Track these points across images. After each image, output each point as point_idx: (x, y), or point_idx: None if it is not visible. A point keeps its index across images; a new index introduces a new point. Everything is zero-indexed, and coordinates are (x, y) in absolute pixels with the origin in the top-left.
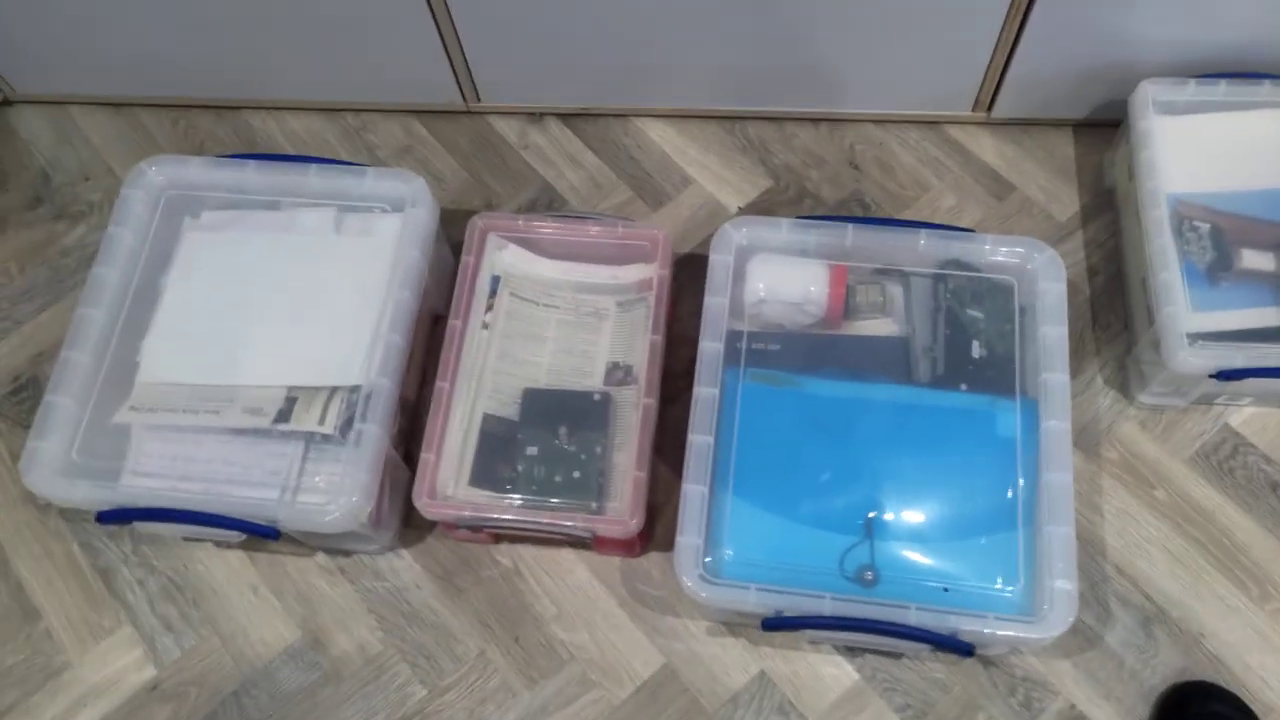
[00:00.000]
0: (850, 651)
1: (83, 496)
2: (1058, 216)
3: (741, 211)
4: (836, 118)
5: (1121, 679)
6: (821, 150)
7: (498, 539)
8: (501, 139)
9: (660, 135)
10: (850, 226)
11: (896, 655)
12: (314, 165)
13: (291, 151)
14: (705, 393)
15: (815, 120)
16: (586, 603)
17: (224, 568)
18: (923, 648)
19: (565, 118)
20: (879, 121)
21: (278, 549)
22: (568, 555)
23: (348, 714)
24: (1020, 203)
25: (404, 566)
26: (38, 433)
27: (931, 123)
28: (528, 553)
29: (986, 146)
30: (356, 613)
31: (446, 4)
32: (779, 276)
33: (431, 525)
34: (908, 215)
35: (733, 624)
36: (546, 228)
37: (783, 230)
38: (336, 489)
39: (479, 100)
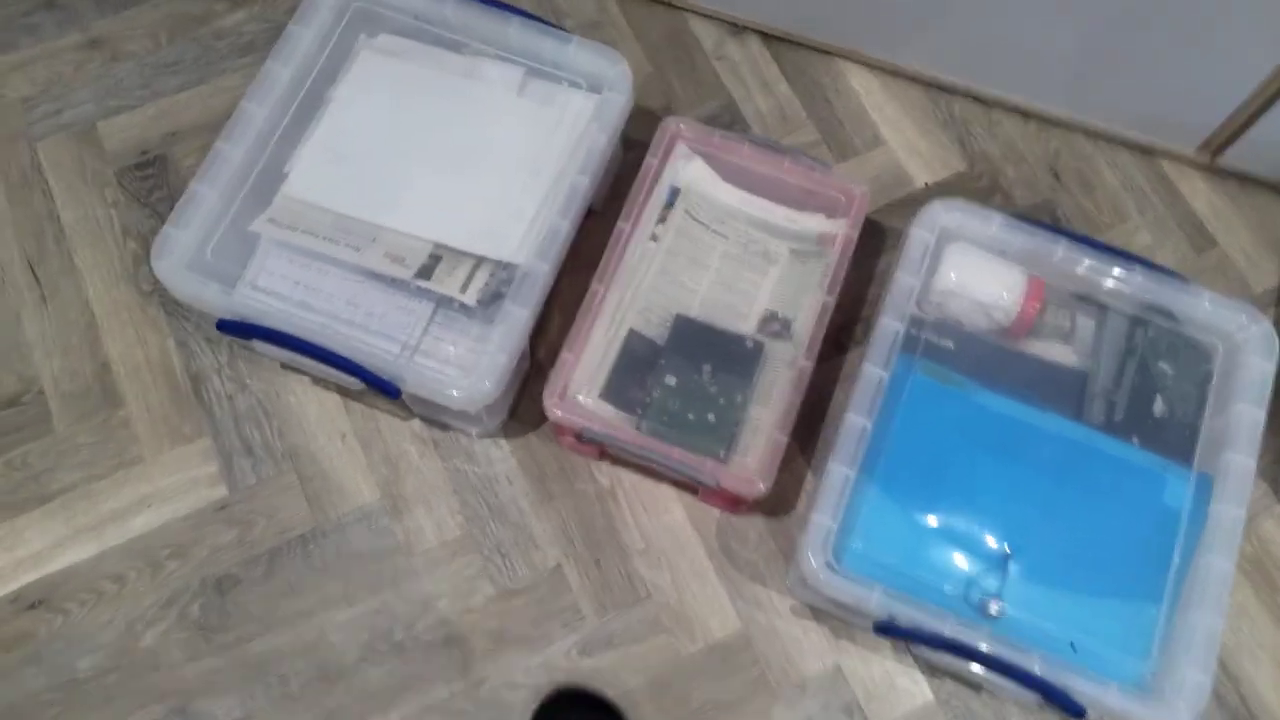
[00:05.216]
0: (931, 670)
1: (211, 298)
2: (1254, 287)
3: (929, 188)
4: (1049, 118)
5: None
6: (1024, 147)
7: (601, 455)
8: (696, 42)
9: (861, 84)
10: (1064, 240)
11: (977, 686)
12: (517, 17)
13: None
14: (874, 372)
15: (1026, 114)
16: (675, 545)
17: (316, 406)
18: (1030, 696)
19: (768, 38)
20: (1092, 134)
21: (374, 403)
22: (667, 492)
23: (410, 590)
24: (1218, 260)
25: (500, 457)
26: (178, 220)
27: (1146, 151)
28: (627, 478)
29: (1198, 192)
30: (441, 491)
31: None
32: (975, 272)
33: (538, 422)
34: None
35: (819, 609)
36: (741, 150)
37: (993, 224)
38: (469, 366)
39: None
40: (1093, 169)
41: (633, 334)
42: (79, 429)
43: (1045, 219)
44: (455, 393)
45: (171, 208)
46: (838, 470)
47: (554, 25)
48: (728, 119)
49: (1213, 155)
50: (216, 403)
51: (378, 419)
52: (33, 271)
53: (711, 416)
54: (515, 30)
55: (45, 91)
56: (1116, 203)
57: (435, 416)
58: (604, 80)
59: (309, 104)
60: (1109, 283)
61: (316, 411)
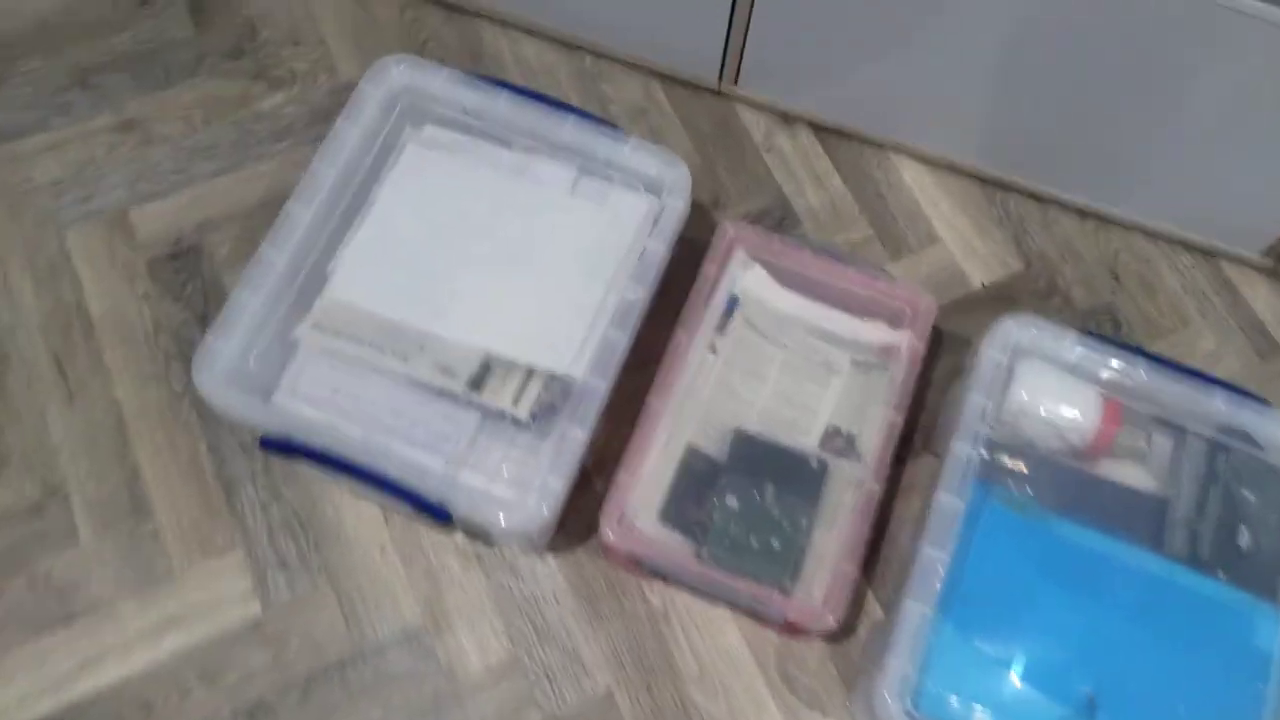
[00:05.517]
0: None
1: (253, 415)
2: None
3: (985, 289)
4: (1108, 217)
5: None
6: (1082, 247)
7: (654, 574)
8: (745, 132)
9: (914, 179)
10: (1140, 360)
11: None
12: (572, 115)
13: (517, 78)
14: (950, 502)
15: (1083, 213)
16: (731, 671)
17: (354, 517)
18: None
19: (819, 130)
20: (1152, 235)
21: (414, 514)
22: (722, 614)
23: (452, 718)
24: None
25: (546, 574)
26: (220, 331)
27: (1208, 253)
28: (680, 599)
29: (1260, 296)
30: (484, 609)
31: None
32: (1049, 392)
33: (585, 535)
34: (1160, 346)
35: None
36: (801, 256)
37: (1067, 344)
38: (519, 480)
39: (735, 84)
40: (1153, 271)
41: (691, 450)
42: (105, 540)
43: (1105, 321)
44: (510, 522)
45: (205, 300)
46: (915, 609)
47: (608, 123)
48: (779, 214)
49: (1277, 260)
50: (250, 512)
51: (418, 532)
52: (59, 368)
53: (775, 542)
54: (570, 128)
55: (76, 175)
56: (1178, 306)
57: (479, 531)
58: (659, 182)
59: (355, 202)
60: (1186, 404)
61: (354, 523)
